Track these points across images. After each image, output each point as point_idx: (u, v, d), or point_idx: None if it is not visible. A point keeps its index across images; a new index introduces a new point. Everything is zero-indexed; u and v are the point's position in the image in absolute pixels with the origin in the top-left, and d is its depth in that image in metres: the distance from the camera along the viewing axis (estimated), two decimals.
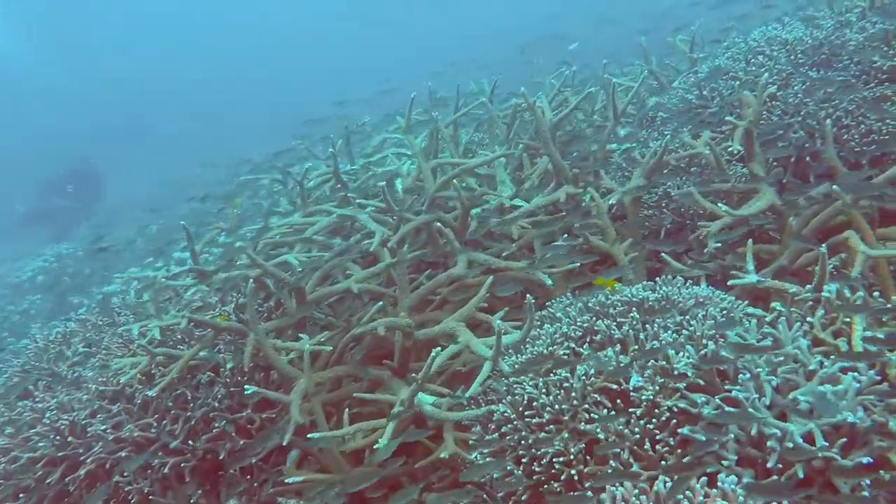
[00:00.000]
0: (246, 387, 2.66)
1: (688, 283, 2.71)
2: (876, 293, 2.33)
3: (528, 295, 2.50)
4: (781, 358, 2.10)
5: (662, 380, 2.18)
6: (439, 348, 2.38)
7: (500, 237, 3.62)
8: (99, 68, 26.06)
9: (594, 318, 2.51)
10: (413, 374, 2.91)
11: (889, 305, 2.23)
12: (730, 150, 2.89)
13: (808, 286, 2.46)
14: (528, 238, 3.29)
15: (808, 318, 2.30)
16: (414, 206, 3.77)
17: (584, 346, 2.45)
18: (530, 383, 2.40)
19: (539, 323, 2.68)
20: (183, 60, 27.44)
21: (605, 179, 3.62)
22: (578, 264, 2.95)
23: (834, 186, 2.55)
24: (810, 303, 2.39)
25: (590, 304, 2.61)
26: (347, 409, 2.81)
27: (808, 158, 3.35)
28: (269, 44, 28.46)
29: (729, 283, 2.61)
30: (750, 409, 1.97)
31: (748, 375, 2.04)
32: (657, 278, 2.75)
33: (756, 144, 3.02)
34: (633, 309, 2.47)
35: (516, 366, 2.50)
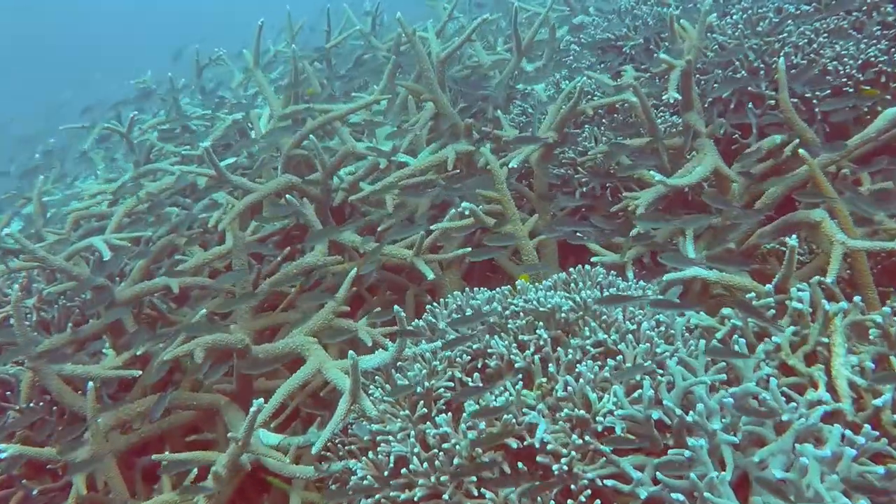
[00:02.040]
0: (1, 447, 1.87)
1: (610, 276, 2.07)
2: (857, 297, 1.74)
3: (395, 306, 1.79)
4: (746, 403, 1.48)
5: (580, 440, 1.53)
6: (261, 399, 1.65)
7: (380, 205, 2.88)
8: None
9: (487, 335, 1.83)
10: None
11: (877, 316, 1.64)
12: (664, 98, 2.22)
13: (768, 286, 1.85)
14: (408, 211, 2.56)
15: (774, 336, 1.69)
16: (269, 166, 2.97)
17: (474, 376, 1.77)
18: (399, 435, 1.72)
19: (417, 338, 1.98)
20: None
21: (508, 130, 2.91)
22: (469, 249, 2.26)
23: (801, 150, 1.92)
24: (772, 310, 1.79)
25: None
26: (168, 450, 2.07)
27: (750, 104, 2.73)
28: None
29: (665, 277, 1.98)
30: (707, 495, 1.34)
31: (699, 441, 1.41)
32: (571, 270, 2.09)
33: (694, 89, 2.35)
34: (541, 323, 1.80)
35: (381, 405, 1.81)
